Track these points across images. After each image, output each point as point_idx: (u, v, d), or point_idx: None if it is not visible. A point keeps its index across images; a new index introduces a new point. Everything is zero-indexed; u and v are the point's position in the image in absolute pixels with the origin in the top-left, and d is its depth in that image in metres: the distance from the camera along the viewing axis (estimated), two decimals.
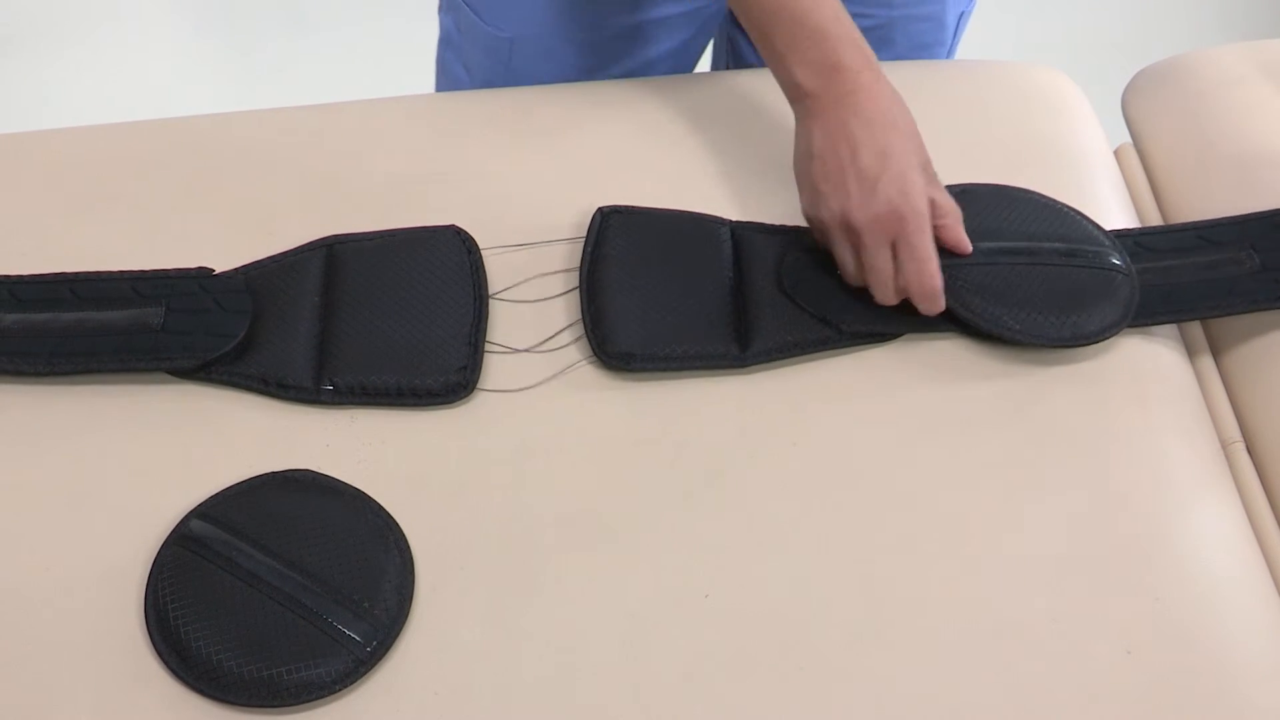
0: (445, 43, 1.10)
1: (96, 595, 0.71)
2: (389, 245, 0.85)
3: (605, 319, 0.81)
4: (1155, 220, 0.97)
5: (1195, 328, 0.89)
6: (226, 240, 0.87)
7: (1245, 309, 0.84)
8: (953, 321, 0.82)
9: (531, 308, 0.84)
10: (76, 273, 0.83)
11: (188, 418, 0.78)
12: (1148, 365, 0.83)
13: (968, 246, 0.82)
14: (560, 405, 0.79)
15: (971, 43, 1.20)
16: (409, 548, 0.72)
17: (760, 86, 0.97)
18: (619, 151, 0.94)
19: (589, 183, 0.90)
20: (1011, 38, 2.09)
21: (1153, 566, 0.73)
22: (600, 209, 0.87)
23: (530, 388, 0.80)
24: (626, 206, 0.87)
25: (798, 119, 0.84)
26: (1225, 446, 0.82)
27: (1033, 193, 0.88)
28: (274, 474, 0.75)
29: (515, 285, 0.85)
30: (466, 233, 0.86)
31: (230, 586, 0.69)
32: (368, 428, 0.78)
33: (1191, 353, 0.87)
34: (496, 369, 0.81)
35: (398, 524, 0.73)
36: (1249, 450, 0.82)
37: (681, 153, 0.94)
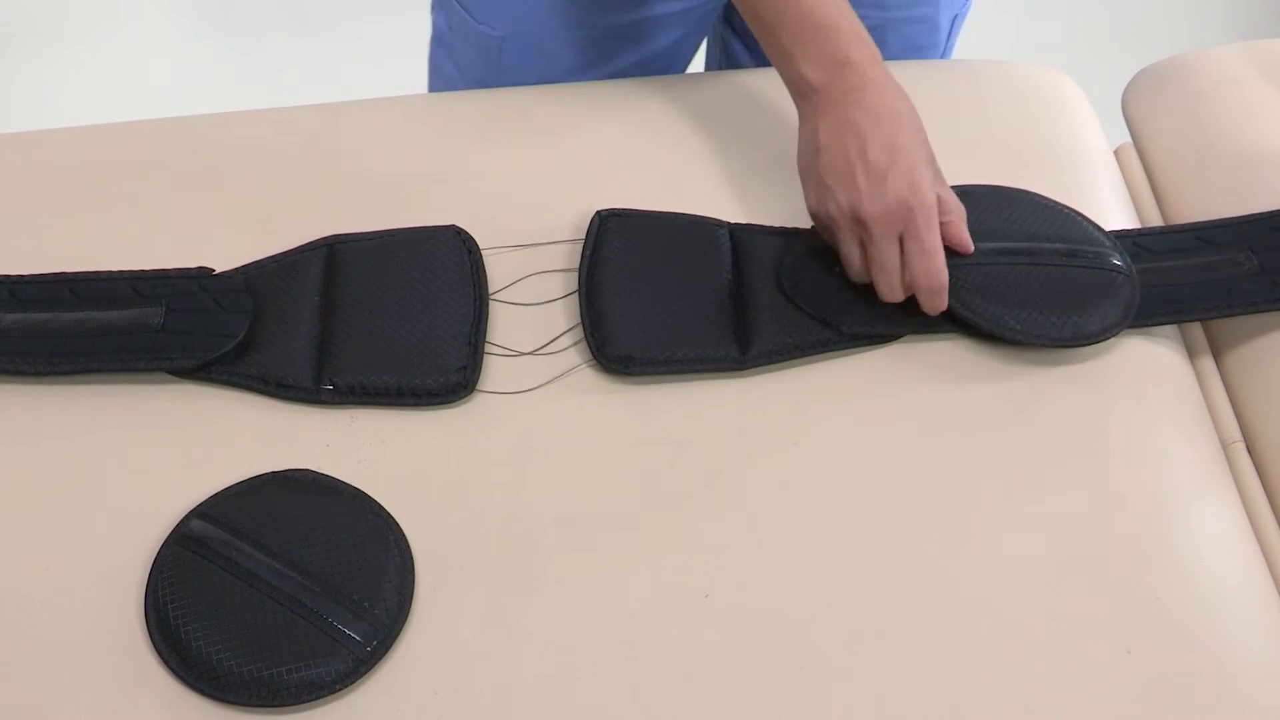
0: (437, 41, 1.10)
1: (96, 595, 0.71)
2: (389, 245, 0.85)
3: (605, 322, 0.81)
4: (1155, 220, 0.97)
5: (1195, 328, 0.89)
6: (226, 240, 0.87)
7: (1244, 310, 0.84)
8: (953, 322, 0.82)
9: (531, 310, 0.84)
10: (76, 272, 0.83)
11: (188, 418, 0.78)
12: (1148, 365, 0.83)
13: (970, 245, 0.82)
14: (560, 407, 0.79)
15: (970, 43, 1.20)
16: (409, 548, 0.72)
17: (760, 86, 0.97)
18: (619, 151, 0.94)
19: (589, 182, 0.90)
20: (1011, 38, 2.09)
21: (1153, 566, 0.73)
22: (598, 212, 0.87)
23: (530, 390, 0.80)
24: (624, 209, 0.87)
25: (802, 115, 0.84)
26: (1225, 446, 0.82)
27: (1032, 193, 0.88)
28: (274, 474, 0.75)
29: (515, 285, 0.85)
30: (466, 233, 0.86)
31: (230, 586, 0.69)
32: (368, 428, 0.78)
33: (1192, 353, 0.87)
34: (496, 371, 0.81)
35: (398, 524, 0.73)
36: (1249, 450, 0.82)
37: (681, 153, 0.94)
